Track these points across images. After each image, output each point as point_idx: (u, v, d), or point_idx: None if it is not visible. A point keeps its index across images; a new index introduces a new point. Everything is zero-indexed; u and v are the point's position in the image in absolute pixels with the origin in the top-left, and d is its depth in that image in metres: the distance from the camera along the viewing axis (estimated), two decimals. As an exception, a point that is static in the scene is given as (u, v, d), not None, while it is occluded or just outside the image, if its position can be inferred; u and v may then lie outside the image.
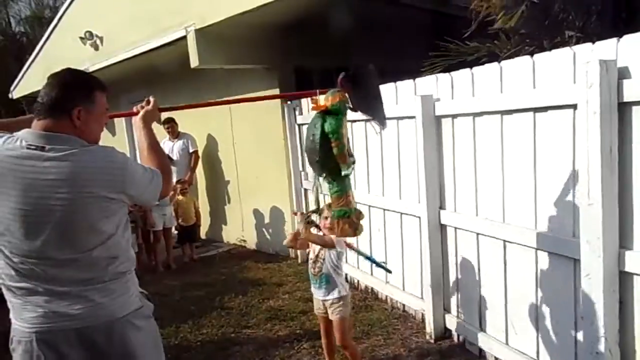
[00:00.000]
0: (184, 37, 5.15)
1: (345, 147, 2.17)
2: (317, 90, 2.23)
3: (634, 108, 2.10)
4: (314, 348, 3.47)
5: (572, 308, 2.51)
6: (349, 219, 2.26)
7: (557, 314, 2.62)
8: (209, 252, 6.41)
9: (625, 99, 2.09)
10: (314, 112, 2.23)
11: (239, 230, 6.59)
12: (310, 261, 2.99)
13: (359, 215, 2.33)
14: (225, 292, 4.72)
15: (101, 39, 6.98)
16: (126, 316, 1.76)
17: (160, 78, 6.97)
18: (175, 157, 6.41)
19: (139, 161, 1.94)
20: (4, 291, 1.75)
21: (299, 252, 5.60)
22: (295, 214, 2.93)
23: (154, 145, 1.97)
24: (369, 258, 3.43)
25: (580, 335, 2.46)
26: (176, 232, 6.25)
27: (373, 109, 2.29)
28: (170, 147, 6.47)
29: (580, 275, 2.39)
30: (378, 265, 3.48)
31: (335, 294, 2.85)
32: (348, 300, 2.91)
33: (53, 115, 1.67)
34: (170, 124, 6.34)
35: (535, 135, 2.58)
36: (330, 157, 2.17)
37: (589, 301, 2.30)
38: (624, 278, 2.24)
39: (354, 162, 2.32)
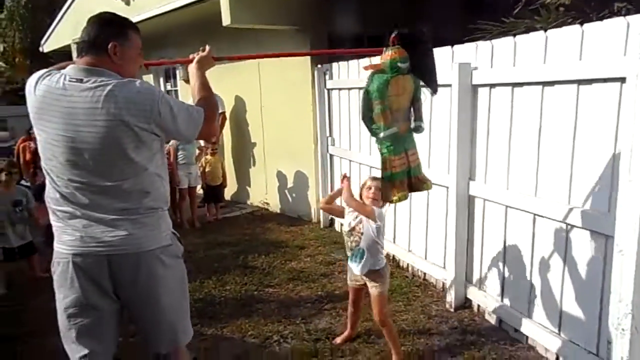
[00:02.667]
0: (217, -6, 5.10)
1: (386, 108, 2.13)
2: (384, 48, 2.17)
3: (687, 83, 2.03)
4: (334, 309, 3.53)
5: (600, 284, 2.50)
6: (387, 184, 2.25)
7: (583, 289, 2.62)
8: (233, 212, 6.51)
9: (679, 74, 2.01)
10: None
11: (263, 192, 6.66)
12: (344, 233, 2.90)
13: (411, 184, 2.28)
14: (248, 252, 4.81)
15: (131, -6, 6.95)
16: (155, 250, 1.86)
17: (191, 36, 6.94)
18: (203, 117, 6.45)
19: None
20: (50, 215, 1.88)
21: (321, 217, 5.65)
22: (345, 177, 2.83)
23: (204, 85, 2.06)
24: None
25: (605, 311, 2.45)
26: (202, 191, 6.35)
27: (425, 72, 2.23)
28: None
29: (610, 252, 2.37)
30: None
31: (372, 268, 2.76)
32: (387, 275, 2.83)
33: (92, 51, 1.81)
34: None
35: (578, 108, 2.51)
36: (370, 117, 2.17)
37: (619, 277, 2.27)
38: (658, 257, 2.21)
39: (419, 128, 2.27)
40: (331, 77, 5.21)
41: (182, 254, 2.01)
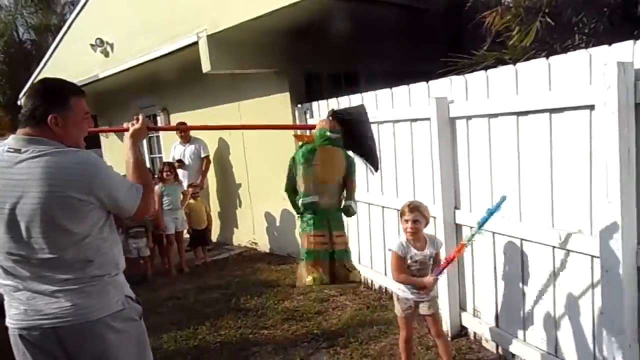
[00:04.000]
0: (195, 43, 5.22)
1: (308, 173, 2.10)
2: (316, 124, 2.24)
3: (651, 108, 2.16)
4: (332, 347, 3.52)
5: (591, 304, 2.56)
6: (299, 263, 2.19)
7: (576, 310, 2.67)
8: (221, 254, 6.47)
9: (642, 100, 2.14)
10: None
11: (250, 233, 6.65)
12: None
13: (333, 269, 2.20)
14: (240, 294, 4.78)
15: (112, 45, 7.06)
16: (103, 318, 1.81)
17: (170, 83, 7.05)
18: (187, 161, 6.48)
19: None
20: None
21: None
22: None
23: (139, 163, 2.04)
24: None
25: (598, 331, 2.51)
26: (188, 235, 6.31)
27: (365, 149, 2.22)
28: (182, 151, 6.55)
29: (597, 272, 2.45)
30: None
31: (434, 292, 2.92)
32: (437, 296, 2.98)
33: (31, 123, 1.78)
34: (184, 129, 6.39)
35: (552, 135, 2.63)
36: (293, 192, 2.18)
37: (608, 297, 2.35)
38: (643, 274, 2.29)
39: (348, 207, 2.22)
40: (312, 116, 5.32)
41: (139, 315, 1.97)
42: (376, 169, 2.29)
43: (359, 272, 2.26)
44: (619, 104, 2.13)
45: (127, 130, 2.10)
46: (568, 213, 2.62)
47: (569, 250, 2.64)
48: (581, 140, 2.47)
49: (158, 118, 7.92)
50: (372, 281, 4.63)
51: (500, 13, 3.83)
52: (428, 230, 3.68)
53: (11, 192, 1.71)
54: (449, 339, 3.49)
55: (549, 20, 3.56)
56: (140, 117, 2.15)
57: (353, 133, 2.14)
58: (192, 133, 6.51)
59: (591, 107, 2.34)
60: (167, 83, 7.12)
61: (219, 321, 4.18)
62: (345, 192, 2.21)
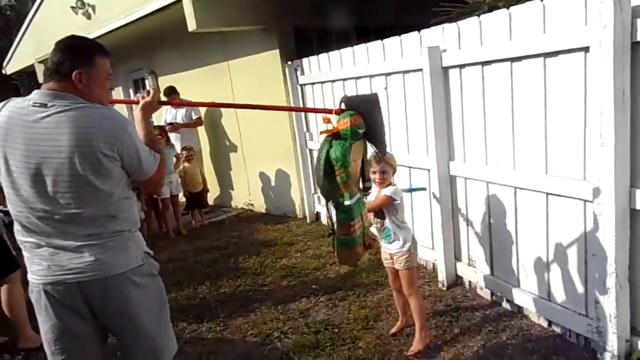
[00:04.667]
0: (179, 1, 5.06)
1: (350, 175, 2.10)
2: (333, 109, 2.18)
3: (647, 47, 2.12)
4: (330, 300, 3.58)
5: (583, 247, 2.60)
6: (350, 249, 2.24)
7: (567, 255, 2.71)
8: (218, 217, 6.49)
9: (639, 38, 2.10)
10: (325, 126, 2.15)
11: (246, 194, 6.66)
12: (371, 217, 2.84)
13: (365, 244, 2.29)
14: (239, 254, 4.82)
15: (93, 7, 6.86)
16: (125, 273, 1.85)
17: (157, 44, 6.88)
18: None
19: None
20: (19, 245, 1.88)
21: (307, 212, 5.69)
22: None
23: (151, 136, 2.05)
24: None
25: (590, 273, 2.55)
26: (184, 199, 6.32)
27: (377, 136, 2.23)
28: (174, 114, 6.48)
29: (589, 216, 2.47)
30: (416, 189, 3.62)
31: (398, 245, 2.82)
32: (414, 250, 2.87)
33: (56, 77, 1.78)
34: (172, 95, 6.29)
35: (546, 80, 2.60)
36: (335, 184, 2.12)
37: (600, 239, 2.38)
38: (635, 215, 2.31)
39: (369, 189, 2.35)
40: (302, 73, 5.23)
41: (157, 271, 2.01)
42: (384, 153, 2.38)
43: (377, 240, 2.61)
44: (615, 44, 2.09)
45: (138, 102, 2.10)
46: (562, 159, 2.62)
47: (562, 196, 2.65)
48: (576, 85, 2.44)
49: (146, 81, 7.78)
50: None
51: None
52: (423, 182, 3.72)
53: (38, 147, 1.70)
54: (445, 288, 3.56)
55: None
56: (152, 90, 2.15)
57: (366, 121, 2.15)
58: (184, 95, 6.41)
59: (586, 49, 2.30)
60: (154, 44, 6.95)
61: (218, 280, 4.23)
62: (362, 174, 2.31)
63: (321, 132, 2.16)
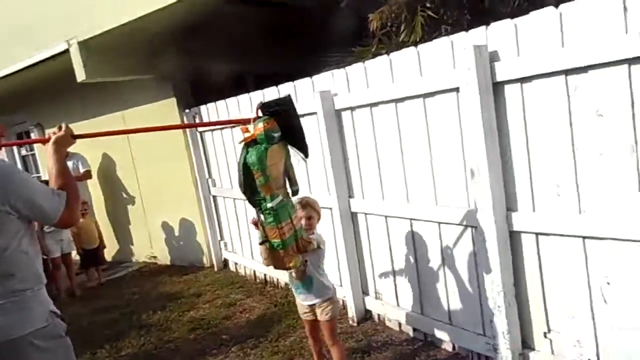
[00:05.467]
0: (67, 51, 4.86)
1: (268, 178, 2.15)
2: (251, 118, 2.24)
3: (506, 87, 2.40)
4: (242, 350, 3.48)
5: (474, 270, 2.79)
6: (282, 252, 2.28)
7: (462, 278, 2.89)
8: (117, 273, 6.10)
9: (498, 79, 2.37)
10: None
11: (148, 247, 6.34)
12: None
13: (299, 247, 2.33)
14: (142, 311, 4.54)
15: (-33, 57, 6.33)
16: (25, 336, 1.72)
17: (43, 95, 6.50)
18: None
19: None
20: None
21: (214, 260, 5.54)
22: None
23: (63, 172, 1.96)
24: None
25: (483, 294, 2.74)
26: (78, 257, 5.87)
27: (295, 138, 2.31)
28: (62, 168, 6.06)
29: (477, 240, 2.67)
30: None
31: (324, 296, 2.76)
32: (336, 299, 2.83)
33: None
34: None
35: (427, 119, 2.83)
36: (256, 189, 2.18)
37: (487, 262, 2.58)
38: (514, 237, 2.54)
39: (296, 192, 2.37)
40: (201, 119, 5.19)
41: (64, 332, 1.87)
42: (307, 155, 2.40)
43: (314, 241, 2.52)
44: (479, 84, 2.34)
45: (49, 140, 1.99)
46: (448, 190, 2.83)
47: (452, 224, 2.84)
48: (452, 121, 2.68)
49: (32, 134, 7.26)
50: (277, 279, 4.64)
51: (383, 12, 4.04)
52: (326, 220, 3.79)
53: None
54: (355, 323, 3.61)
55: (431, 14, 3.85)
56: (63, 125, 2.05)
57: (284, 123, 2.22)
58: (72, 148, 6.02)
59: (457, 89, 2.55)
60: (40, 95, 6.55)
61: (119, 342, 3.94)
62: (288, 178, 2.35)
63: (240, 142, 2.22)
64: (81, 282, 5.73)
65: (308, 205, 2.77)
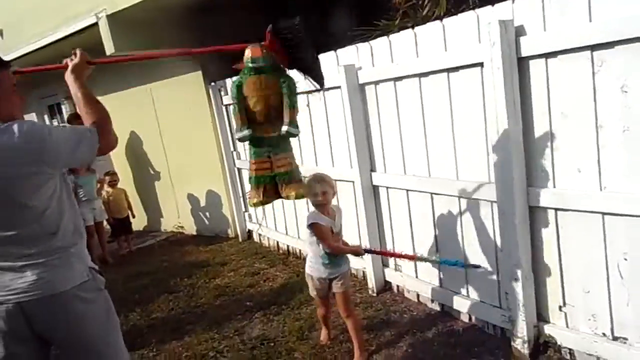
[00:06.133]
0: (95, 24, 4.96)
1: (237, 109, 2.13)
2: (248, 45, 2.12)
3: (531, 62, 2.39)
4: (265, 316, 3.62)
5: (493, 244, 2.84)
6: (255, 187, 2.27)
7: (481, 252, 2.94)
8: (146, 242, 6.33)
9: (523, 54, 2.37)
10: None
11: (175, 217, 6.54)
12: (310, 243, 2.90)
13: (266, 189, 2.27)
14: (170, 278, 4.73)
15: (1, 31, 6.51)
16: (70, 290, 1.80)
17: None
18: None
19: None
20: None
21: (239, 231, 5.69)
22: None
23: (88, 96, 1.94)
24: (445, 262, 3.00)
25: (501, 267, 2.79)
26: (109, 226, 6.10)
27: (308, 65, 2.18)
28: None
29: (497, 215, 2.71)
30: (466, 266, 3.03)
31: (345, 268, 2.89)
32: (350, 271, 2.98)
33: None
34: (77, 120, 6.09)
35: (451, 93, 2.84)
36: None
37: (505, 236, 2.62)
38: (533, 212, 2.57)
39: (293, 135, 2.20)
40: (227, 93, 5.27)
41: (103, 285, 1.97)
42: (321, 85, 2.26)
43: (297, 193, 2.27)
44: (503, 59, 2.34)
45: (66, 66, 2.00)
46: (470, 164, 2.86)
47: (472, 199, 2.88)
48: (475, 96, 2.69)
49: (63, 107, 7.47)
50: (299, 250, 4.76)
51: None
52: (348, 194, 3.86)
53: None
54: (375, 294, 3.71)
55: None
56: (78, 51, 2.03)
57: (292, 49, 2.08)
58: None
59: (481, 64, 2.55)
60: (70, 68, 6.71)
61: (149, 306, 4.14)
62: (283, 116, 2.18)
63: (233, 68, 2.17)
64: (112, 250, 5.97)
65: (323, 180, 2.81)
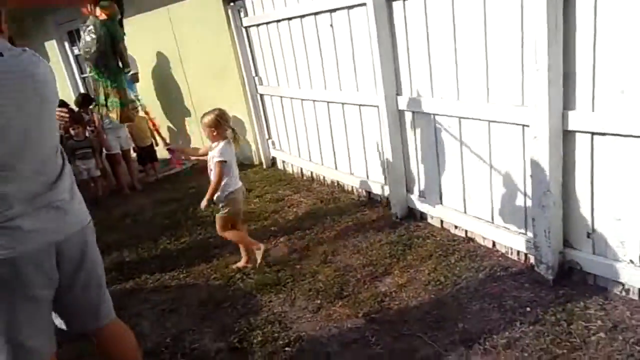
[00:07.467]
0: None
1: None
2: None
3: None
4: (290, 241, 3.69)
5: (522, 170, 2.76)
6: (126, 109, 2.61)
7: (508, 178, 2.87)
8: (173, 170, 6.41)
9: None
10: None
11: (200, 145, 6.56)
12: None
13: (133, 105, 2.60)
14: (197, 204, 4.75)
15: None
16: (89, 223, 1.85)
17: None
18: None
19: None
20: None
21: (262, 158, 5.70)
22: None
23: None
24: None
25: (529, 192, 2.73)
26: (135, 154, 6.19)
27: None
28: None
29: (528, 139, 2.61)
30: None
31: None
32: (229, 203, 3.38)
33: None
34: (85, 106, 6.09)
35: (486, 12, 2.64)
36: (111, 57, 2.45)
37: (536, 160, 2.53)
38: (567, 137, 2.45)
39: (132, 73, 2.53)
40: (246, 14, 5.07)
41: None
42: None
43: (135, 114, 2.82)
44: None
45: None
46: (502, 87, 2.71)
47: (503, 123, 2.77)
48: (513, 16, 2.49)
49: (81, 32, 7.34)
50: (323, 177, 4.76)
51: None
52: (372, 119, 3.78)
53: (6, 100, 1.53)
54: (398, 219, 3.71)
55: None
56: None
57: None
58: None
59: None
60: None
61: (178, 231, 4.26)
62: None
63: (97, 16, 2.40)
64: (140, 177, 6.09)
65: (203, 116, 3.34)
